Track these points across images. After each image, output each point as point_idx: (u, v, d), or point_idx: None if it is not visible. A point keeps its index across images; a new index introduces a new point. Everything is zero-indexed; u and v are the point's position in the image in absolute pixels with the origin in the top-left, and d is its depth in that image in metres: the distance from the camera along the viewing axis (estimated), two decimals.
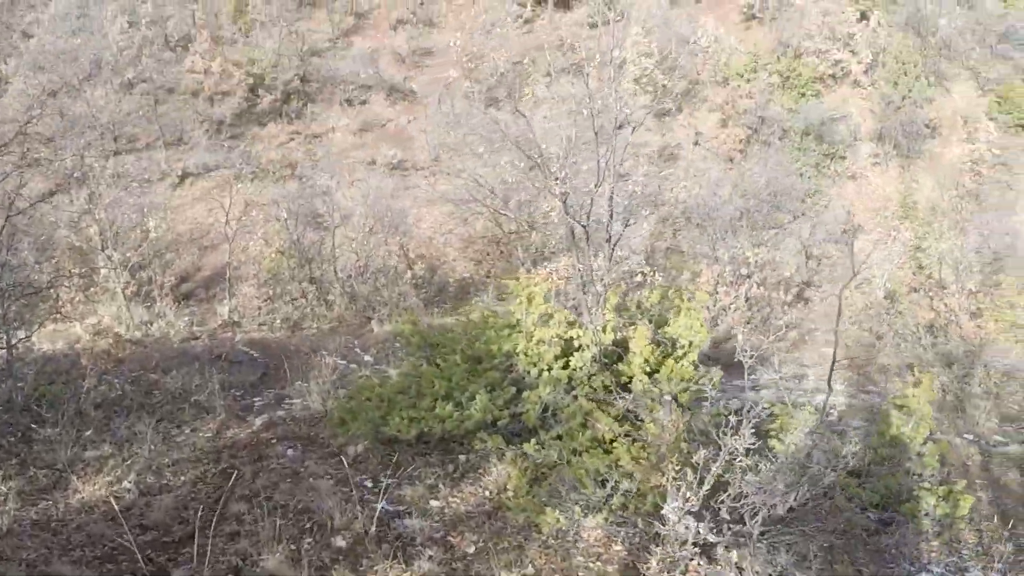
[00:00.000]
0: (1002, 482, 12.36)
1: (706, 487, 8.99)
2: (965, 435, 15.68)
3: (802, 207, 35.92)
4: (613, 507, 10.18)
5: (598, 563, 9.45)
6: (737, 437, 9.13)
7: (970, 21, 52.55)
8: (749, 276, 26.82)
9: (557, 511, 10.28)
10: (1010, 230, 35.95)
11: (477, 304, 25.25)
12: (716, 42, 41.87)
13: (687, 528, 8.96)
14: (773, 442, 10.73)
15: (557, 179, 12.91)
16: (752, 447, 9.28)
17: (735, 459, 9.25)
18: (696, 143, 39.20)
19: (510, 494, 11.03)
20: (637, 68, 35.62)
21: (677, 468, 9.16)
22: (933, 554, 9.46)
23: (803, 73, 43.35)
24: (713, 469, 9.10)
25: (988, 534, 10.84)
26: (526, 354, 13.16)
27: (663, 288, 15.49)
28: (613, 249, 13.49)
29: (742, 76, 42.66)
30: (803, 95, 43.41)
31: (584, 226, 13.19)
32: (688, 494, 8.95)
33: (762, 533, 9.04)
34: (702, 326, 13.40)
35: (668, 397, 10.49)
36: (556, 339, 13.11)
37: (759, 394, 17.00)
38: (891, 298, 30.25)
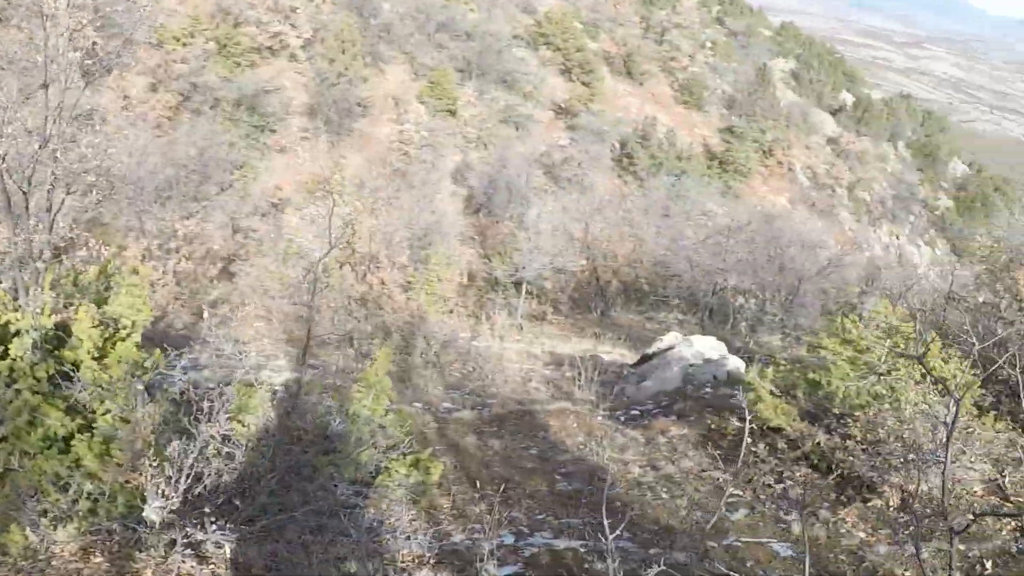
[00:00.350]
0: (461, 446, 11.74)
1: (186, 481, 7.91)
2: (415, 404, 15.05)
3: (230, 179, 34.34)
4: (82, 514, 8.16)
5: None
6: (212, 424, 8.36)
7: (411, 8, 54.32)
8: (177, 250, 24.78)
9: (26, 527, 7.93)
10: (436, 208, 37.28)
11: None
12: (157, 1, 38.73)
13: (172, 528, 7.80)
14: (234, 424, 9.03)
15: None
16: (230, 432, 8.55)
17: (208, 447, 8.32)
18: (124, 108, 35.69)
19: None
20: (74, 20, 31.54)
21: (154, 463, 7.98)
22: (415, 521, 9.13)
23: (242, 42, 41.54)
24: (189, 460, 7.98)
25: (460, 496, 10.73)
26: None
27: (104, 263, 13.02)
28: (54, 220, 10.94)
29: (178, 40, 39.72)
30: (239, 65, 41.65)
31: (25, 192, 10.48)
32: (167, 490, 7.83)
33: (250, 520, 8.16)
34: (144, 303, 11.22)
35: (140, 386, 8.44)
36: None
37: (201, 374, 15.00)
38: (324, 272, 29.62)
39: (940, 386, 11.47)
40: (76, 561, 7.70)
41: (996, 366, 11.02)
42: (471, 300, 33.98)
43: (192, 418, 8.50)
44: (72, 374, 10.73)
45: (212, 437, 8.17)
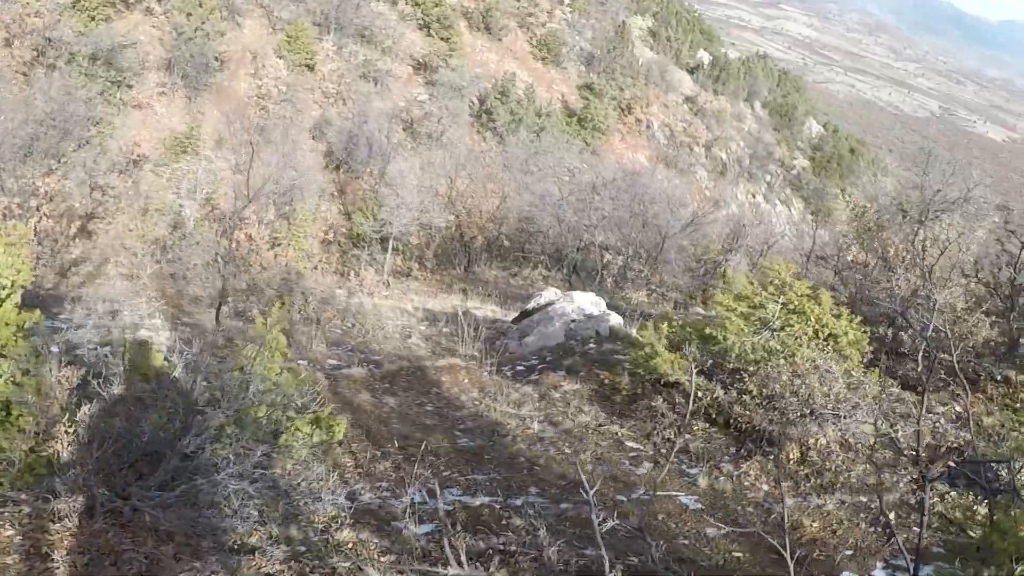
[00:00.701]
0: (356, 404, 11.46)
1: (99, 447, 7.47)
2: (300, 361, 14.61)
3: (87, 136, 32.82)
4: (2, 487, 7.59)
5: None
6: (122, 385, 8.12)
7: None
8: (38, 208, 23.65)
9: None
10: (296, 164, 36.52)
11: None
12: None
13: (87, 496, 7.18)
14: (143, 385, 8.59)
15: None
16: (142, 394, 8.41)
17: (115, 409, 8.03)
18: None
19: None
20: None
21: (69, 428, 7.64)
22: (321, 482, 8.55)
23: None
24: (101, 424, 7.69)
25: (361, 455, 10.44)
26: None
27: None
28: None
29: None
30: (93, 19, 39.71)
31: None
32: (82, 456, 7.47)
33: (164, 485, 7.69)
34: (24, 263, 10.46)
35: (56, 348, 7.85)
36: None
37: (78, 334, 14.21)
38: (187, 228, 28.69)
39: (831, 342, 11.79)
40: None
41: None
42: (334, 257, 33.51)
43: (101, 380, 7.97)
44: None
45: (122, 399, 7.63)
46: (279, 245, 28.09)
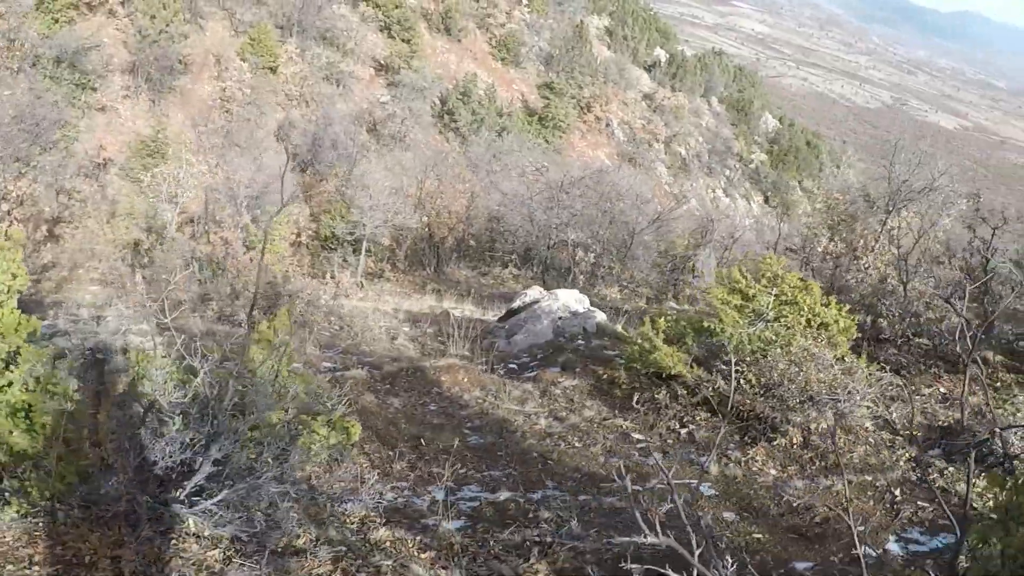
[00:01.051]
0: (362, 406, 11.68)
1: (137, 454, 7.53)
2: (295, 365, 14.74)
3: (53, 139, 32.66)
4: (8, 495, 7.45)
5: (27, 567, 6.68)
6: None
7: None
8: (9, 212, 23.59)
9: None
10: (265, 167, 36.40)
11: None
12: None
13: (131, 503, 7.35)
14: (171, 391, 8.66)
15: None
16: (181, 401, 7.92)
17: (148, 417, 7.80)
18: None
19: None
20: None
21: (113, 435, 7.86)
22: (340, 484, 8.94)
23: None
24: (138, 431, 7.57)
25: (375, 455, 10.55)
26: None
27: None
28: None
29: None
30: (56, 21, 39.46)
31: None
32: (123, 464, 7.55)
33: (199, 491, 7.71)
34: (20, 268, 10.45)
35: (101, 356, 7.86)
36: None
37: (69, 340, 14.23)
38: (169, 232, 28.67)
39: (823, 330, 12.20)
40: (24, 547, 7.21)
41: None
42: (306, 259, 33.57)
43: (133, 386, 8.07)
44: None
45: (155, 406, 7.75)
46: (253, 248, 28.11)
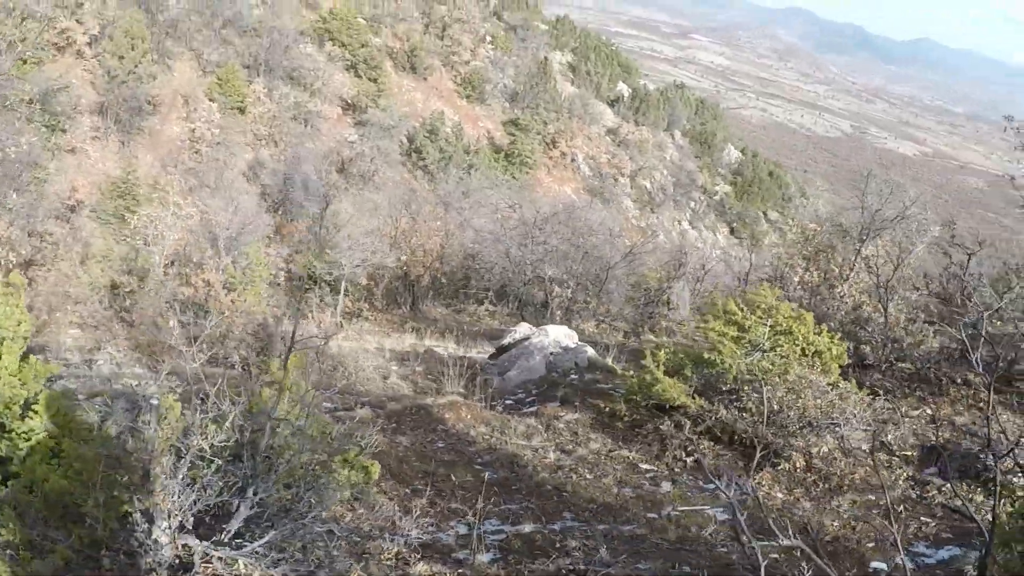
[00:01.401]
0: (373, 445, 11.84)
1: (183, 498, 7.45)
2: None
3: (25, 182, 32.68)
4: (50, 544, 7.53)
5: None
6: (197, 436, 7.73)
7: (198, 3, 53.06)
8: None
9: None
10: (240, 207, 36.47)
11: None
12: None
13: (185, 548, 7.41)
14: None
15: None
16: (224, 443, 7.91)
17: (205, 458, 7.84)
18: None
19: None
20: None
21: (165, 479, 7.49)
22: (368, 521, 9.31)
23: (28, 38, 39.51)
24: (183, 473, 7.52)
25: (392, 492, 10.87)
26: None
27: None
28: None
29: None
30: (25, 62, 39.52)
31: None
32: (173, 509, 7.37)
33: (239, 535, 7.82)
34: (23, 314, 10.62)
35: (155, 401, 7.98)
36: None
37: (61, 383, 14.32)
38: (143, 277, 28.67)
39: (817, 358, 12.67)
40: None
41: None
42: (283, 300, 33.64)
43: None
44: None
45: (201, 451, 7.94)
46: (234, 290, 28.23)
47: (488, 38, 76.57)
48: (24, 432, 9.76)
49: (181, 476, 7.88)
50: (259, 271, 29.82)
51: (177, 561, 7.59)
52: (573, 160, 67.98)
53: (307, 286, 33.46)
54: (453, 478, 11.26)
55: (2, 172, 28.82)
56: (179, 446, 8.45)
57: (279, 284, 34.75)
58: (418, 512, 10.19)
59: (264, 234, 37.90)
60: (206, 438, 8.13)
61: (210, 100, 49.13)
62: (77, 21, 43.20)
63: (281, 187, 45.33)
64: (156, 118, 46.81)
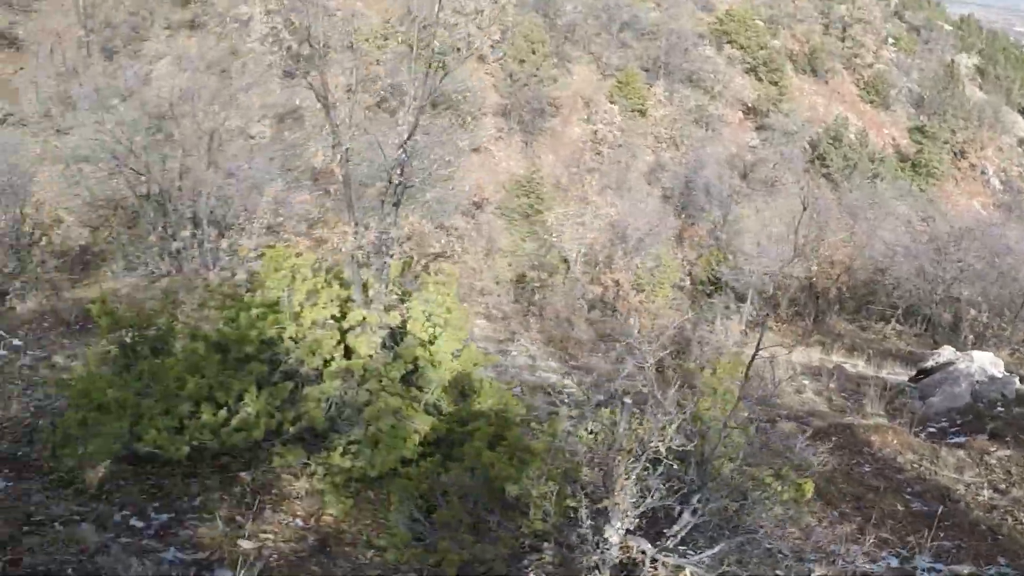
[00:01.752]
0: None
1: (638, 499, 7.49)
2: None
3: (442, 174, 35.45)
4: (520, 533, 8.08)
5: None
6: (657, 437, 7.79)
7: (594, 7, 54.93)
8: (400, 245, 25.85)
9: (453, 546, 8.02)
10: (647, 209, 37.41)
11: (106, 274, 21.49)
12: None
13: (637, 550, 7.47)
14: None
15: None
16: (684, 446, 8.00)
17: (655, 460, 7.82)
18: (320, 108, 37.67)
19: (344, 524, 8.69)
20: (265, 26, 33.31)
21: (627, 478, 7.52)
22: (805, 541, 9.43)
23: (431, 45, 42.91)
24: (635, 474, 7.55)
25: (820, 513, 11.00)
26: (295, 340, 10.29)
27: (406, 259, 13.67)
28: (397, 210, 11.28)
29: (369, 42, 41.14)
30: (430, 66, 42.82)
31: (399, 183, 10.94)
32: (627, 508, 7.40)
33: (683, 542, 7.94)
34: (454, 301, 11.46)
35: (628, 400, 8.44)
36: (332, 321, 10.43)
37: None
38: (551, 271, 30.23)
39: None
40: None
41: None
42: (685, 304, 34.17)
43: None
44: (413, 374, 10.90)
45: (656, 453, 8.13)
46: (643, 291, 29.22)
47: (890, 39, 73.06)
48: (464, 415, 10.62)
49: (634, 477, 8.31)
50: (668, 274, 30.61)
51: (618, 562, 7.78)
52: (983, 172, 63.40)
53: (707, 291, 33.86)
54: (882, 506, 11.21)
55: (420, 166, 31.21)
56: (635, 447, 8.89)
57: (683, 288, 35.41)
58: (846, 538, 10.25)
59: (669, 236, 38.76)
60: (664, 440, 8.44)
61: (611, 102, 50.76)
62: (477, 27, 46.12)
63: (682, 190, 46.00)
64: (557, 119, 49.12)
